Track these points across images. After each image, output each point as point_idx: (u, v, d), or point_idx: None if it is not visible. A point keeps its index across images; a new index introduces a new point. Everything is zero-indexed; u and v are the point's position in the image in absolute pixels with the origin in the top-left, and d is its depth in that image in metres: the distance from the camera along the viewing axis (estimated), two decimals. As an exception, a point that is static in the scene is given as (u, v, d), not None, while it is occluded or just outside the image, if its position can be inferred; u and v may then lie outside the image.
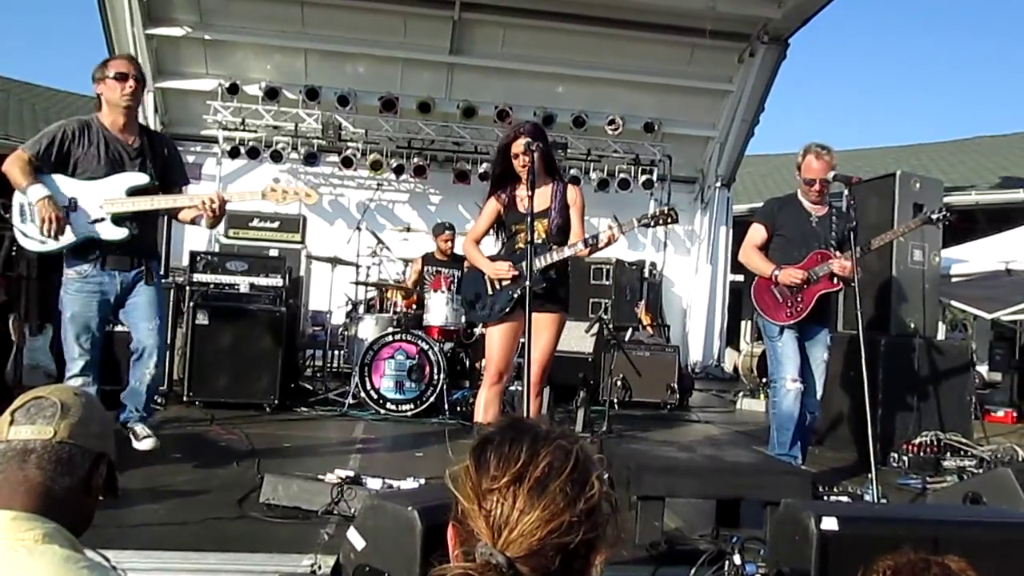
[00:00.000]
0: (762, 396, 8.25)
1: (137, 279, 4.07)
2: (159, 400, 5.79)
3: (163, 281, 4.54)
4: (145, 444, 3.99)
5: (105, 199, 3.93)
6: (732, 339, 13.17)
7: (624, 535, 1.13)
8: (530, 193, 3.89)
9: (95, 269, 3.97)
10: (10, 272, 5.82)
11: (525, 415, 3.87)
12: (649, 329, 8.91)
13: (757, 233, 4.77)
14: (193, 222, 4.25)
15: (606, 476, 1.12)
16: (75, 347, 3.95)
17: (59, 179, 3.92)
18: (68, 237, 3.90)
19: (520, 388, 6.55)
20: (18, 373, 5.51)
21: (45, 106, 14.86)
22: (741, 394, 8.65)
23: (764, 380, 8.47)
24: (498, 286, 4.26)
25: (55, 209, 3.78)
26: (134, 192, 3.98)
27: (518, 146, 4.12)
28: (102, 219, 3.93)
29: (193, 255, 6.75)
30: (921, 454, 5.29)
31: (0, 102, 13.71)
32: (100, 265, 3.97)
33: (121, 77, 3.98)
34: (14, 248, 5.77)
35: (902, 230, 5.01)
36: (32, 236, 3.92)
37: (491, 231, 4.49)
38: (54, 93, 16.23)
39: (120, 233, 3.94)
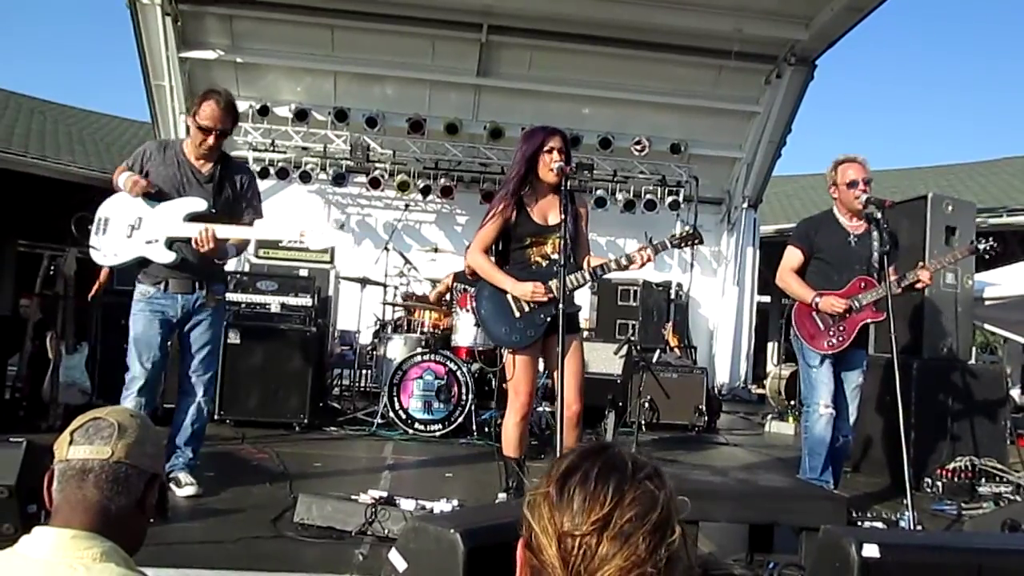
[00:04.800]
0: (791, 419, 8.18)
1: (199, 302, 4.12)
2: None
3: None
4: (187, 491, 4.01)
5: (162, 222, 4.00)
6: (759, 361, 13.07)
7: (694, 570, 1.12)
8: (563, 200, 3.74)
9: (159, 291, 4.05)
10: (48, 291, 5.93)
11: (558, 439, 3.74)
12: (676, 350, 8.88)
13: (793, 256, 4.66)
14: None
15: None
16: (137, 366, 4.03)
17: (128, 198, 4.04)
18: (123, 256, 4.03)
19: (548, 409, 6.58)
20: (54, 390, 5.60)
21: (80, 127, 15.17)
22: (769, 417, 8.58)
23: (792, 402, 8.40)
24: (525, 308, 3.87)
25: (136, 176, 3.97)
26: (193, 218, 4.00)
27: (556, 141, 3.89)
28: (156, 240, 3.99)
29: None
30: (955, 480, 5.20)
31: (36, 124, 13.99)
32: (164, 288, 4.05)
33: (205, 131, 4.02)
34: (52, 267, 5.89)
35: (948, 260, 4.84)
36: (100, 248, 4.06)
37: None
38: (88, 115, 16.56)
39: (169, 257, 4.00)
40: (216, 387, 4.65)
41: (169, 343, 4.21)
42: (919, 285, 4.51)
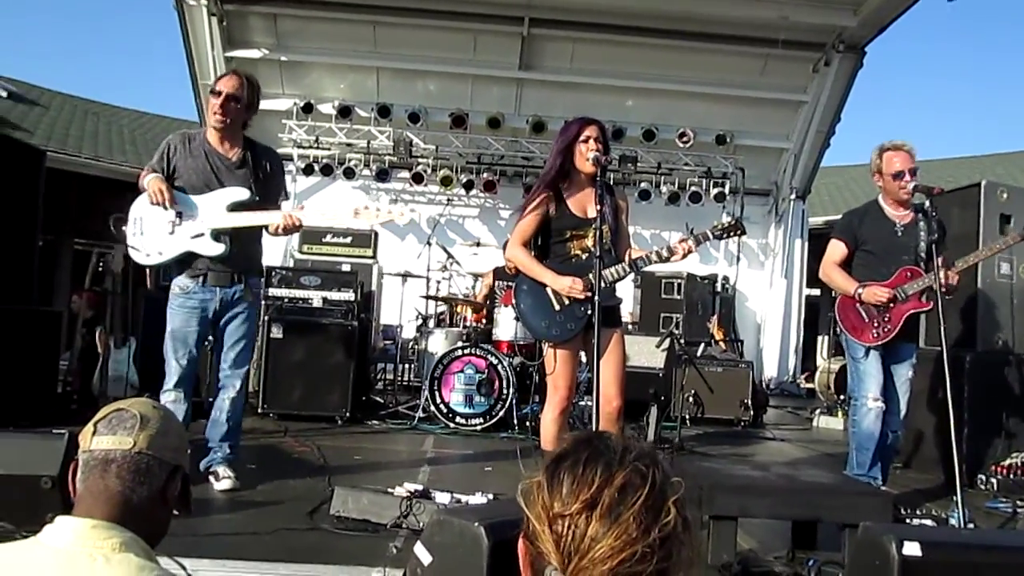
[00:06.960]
0: (840, 414, 8.01)
1: (236, 295, 4.08)
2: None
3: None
4: (224, 484, 3.97)
5: (207, 214, 3.97)
6: (808, 354, 12.83)
7: (698, 557, 1.09)
8: (599, 192, 3.65)
9: (197, 285, 4.00)
10: (97, 287, 6.07)
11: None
12: (722, 344, 8.75)
13: (836, 250, 4.52)
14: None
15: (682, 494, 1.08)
16: (172, 361, 4.02)
17: None
18: (169, 253, 3.99)
19: (590, 403, 6.52)
20: (103, 384, 5.74)
21: (132, 128, 15.52)
22: (818, 411, 8.41)
23: (842, 397, 8.22)
24: (566, 301, 3.80)
25: (161, 183, 3.88)
26: (235, 208, 3.97)
27: (592, 130, 3.80)
28: (202, 234, 3.96)
29: (268, 270, 6.89)
30: (1011, 476, 5.02)
31: (91, 125, 14.36)
32: (203, 282, 4.00)
33: (215, 94, 3.97)
34: (100, 264, 6.03)
35: (999, 247, 4.62)
36: (140, 249, 4.03)
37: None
38: (140, 115, 16.94)
39: (218, 249, 3.96)
40: (249, 381, 4.62)
41: (207, 340, 4.19)
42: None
